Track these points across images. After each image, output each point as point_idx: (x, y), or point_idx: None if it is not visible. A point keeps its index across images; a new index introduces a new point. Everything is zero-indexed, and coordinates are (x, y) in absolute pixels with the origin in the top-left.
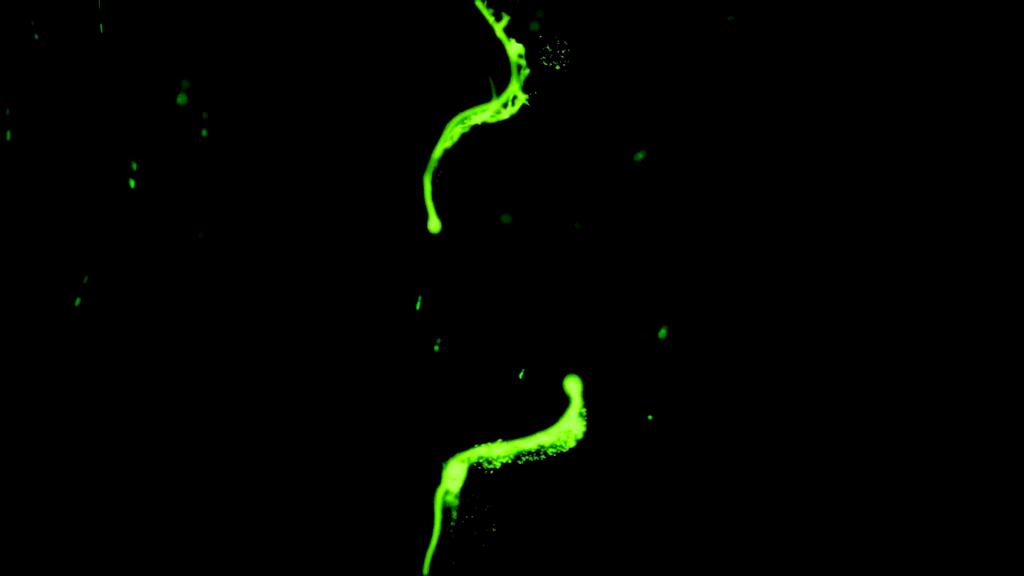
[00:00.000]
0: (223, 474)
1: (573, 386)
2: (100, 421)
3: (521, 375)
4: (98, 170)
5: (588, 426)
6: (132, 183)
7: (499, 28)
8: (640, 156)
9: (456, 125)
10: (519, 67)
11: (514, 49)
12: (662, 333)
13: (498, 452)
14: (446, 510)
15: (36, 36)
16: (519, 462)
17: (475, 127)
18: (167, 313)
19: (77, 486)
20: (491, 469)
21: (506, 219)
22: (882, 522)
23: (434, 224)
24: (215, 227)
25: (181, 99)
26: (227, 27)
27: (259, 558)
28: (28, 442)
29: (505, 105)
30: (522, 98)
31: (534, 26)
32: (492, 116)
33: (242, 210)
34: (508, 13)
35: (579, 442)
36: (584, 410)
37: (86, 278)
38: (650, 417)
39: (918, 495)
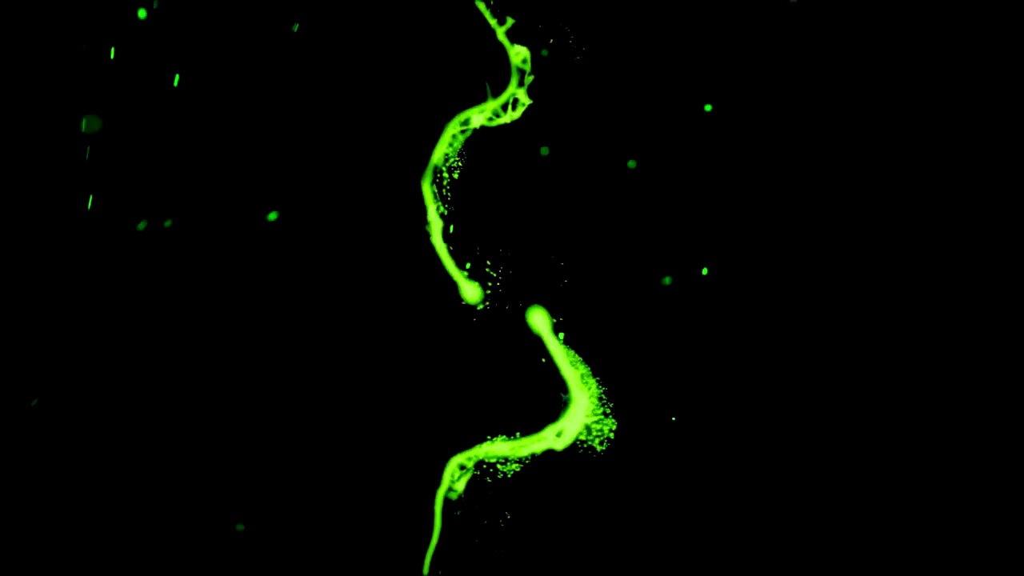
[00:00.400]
0: (223, 473)
1: (539, 319)
2: (100, 421)
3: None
4: (98, 170)
5: (591, 423)
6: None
7: (501, 32)
8: (632, 164)
9: (455, 127)
10: (521, 71)
11: (517, 53)
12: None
13: (500, 450)
14: (446, 510)
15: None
16: (522, 460)
17: (475, 130)
18: (166, 312)
19: (77, 486)
20: (493, 468)
21: (542, 165)
22: (899, 521)
23: (471, 294)
24: (214, 227)
25: (180, 99)
26: (227, 27)
27: (259, 558)
28: (27, 441)
29: (505, 107)
30: (525, 100)
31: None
32: (491, 119)
33: (241, 210)
34: (511, 16)
35: (581, 439)
36: (586, 407)
37: (87, 278)
38: (673, 419)
39: (956, 491)
